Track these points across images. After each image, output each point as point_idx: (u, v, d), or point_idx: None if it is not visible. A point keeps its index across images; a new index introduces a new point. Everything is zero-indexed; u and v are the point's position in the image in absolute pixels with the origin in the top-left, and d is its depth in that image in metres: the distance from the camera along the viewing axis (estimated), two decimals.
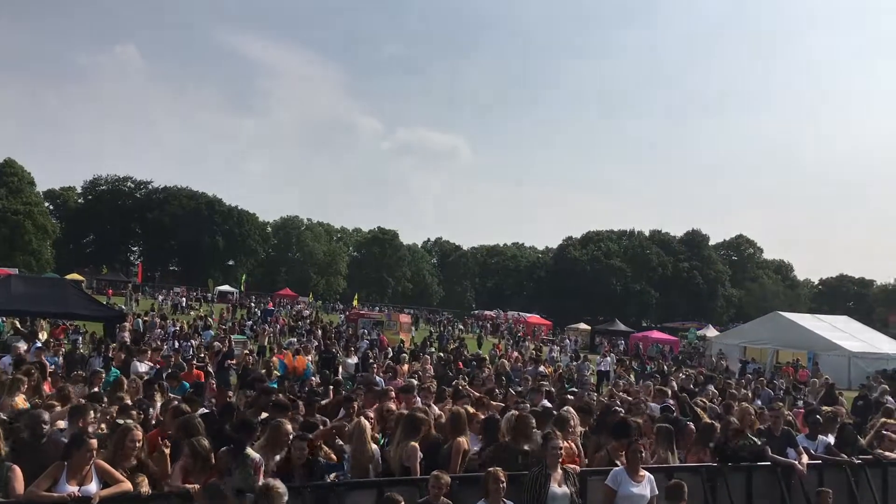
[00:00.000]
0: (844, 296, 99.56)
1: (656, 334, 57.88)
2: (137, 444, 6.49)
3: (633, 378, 22.25)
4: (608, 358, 31.71)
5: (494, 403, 10.73)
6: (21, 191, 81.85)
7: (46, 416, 7.20)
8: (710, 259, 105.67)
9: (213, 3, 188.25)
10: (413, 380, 13.44)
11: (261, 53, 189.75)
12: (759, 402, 15.82)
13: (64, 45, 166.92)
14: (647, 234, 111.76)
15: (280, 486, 5.56)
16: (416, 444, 7.56)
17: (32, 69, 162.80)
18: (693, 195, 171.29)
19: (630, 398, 12.73)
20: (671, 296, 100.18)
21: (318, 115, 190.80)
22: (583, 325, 67.09)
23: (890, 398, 17.13)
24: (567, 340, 52.50)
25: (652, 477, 7.33)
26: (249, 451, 6.59)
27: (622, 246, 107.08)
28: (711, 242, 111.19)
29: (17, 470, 5.94)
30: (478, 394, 11.40)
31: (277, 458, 6.98)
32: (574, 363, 28.26)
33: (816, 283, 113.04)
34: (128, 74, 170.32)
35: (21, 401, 8.77)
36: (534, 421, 8.17)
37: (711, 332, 63.25)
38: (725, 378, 23.40)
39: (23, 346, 16.85)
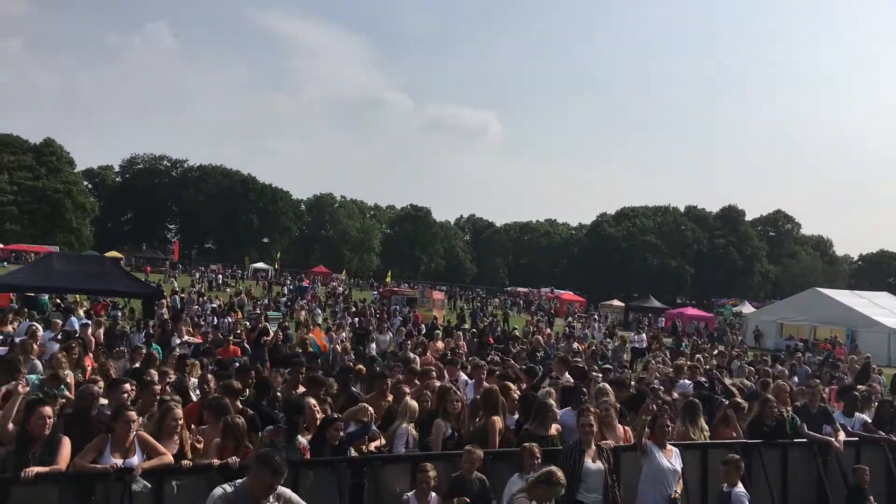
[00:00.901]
0: (885, 271, 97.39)
1: (691, 311, 57.40)
2: (179, 422, 6.65)
3: (668, 355, 22.11)
4: (643, 335, 31.54)
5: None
6: (60, 170, 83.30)
7: (96, 389, 7.36)
8: (747, 235, 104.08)
9: None
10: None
11: (293, 31, 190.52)
12: (795, 380, 15.67)
13: (97, 26, 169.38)
14: (682, 209, 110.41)
15: None
16: (497, 419, 7.68)
17: (68, 51, 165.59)
18: (729, 170, 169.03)
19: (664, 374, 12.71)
20: (707, 272, 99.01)
21: (350, 92, 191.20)
22: (616, 302, 66.75)
23: None
24: (597, 317, 52.28)
25: (678, 451, 7.34)
26: (300, 437, 6.72)
27: (657, 222, 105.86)
28: (748, 218, 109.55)
29: (67, 441, 6.11)
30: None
31: (308, 436, 7.07)
32: (607, 340, 28.17)
33: (856, 258, 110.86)
34: (160, 53, 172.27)
35: (69, 376, 8.96)
36: (555, 406, 8.16)
37: (748, 308, 62.48)
38: (761, 355, 23.16)
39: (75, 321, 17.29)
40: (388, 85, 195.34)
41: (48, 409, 6.19)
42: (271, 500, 4.53)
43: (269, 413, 7.68)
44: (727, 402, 9.31)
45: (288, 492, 4.69)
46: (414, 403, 7.86)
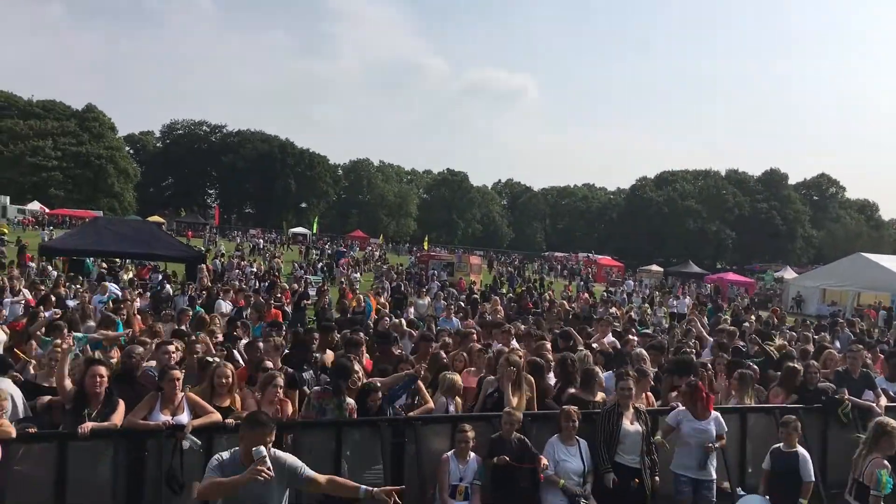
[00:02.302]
0: None
1: (731, 276, 56.80)
2: (226, 381, 6.78)
3: (706, 320, 21.94)
4: (684, 300, 31.31)
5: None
6: (103, 136, 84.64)
7: (140, 349, 7.59)
8: (790, 199, 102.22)
9: None
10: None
11: None
12: (837, 345, 15.47)
13: None
14: (723, 173, 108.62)
15: None
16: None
17: (108, 17, 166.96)
18: (773, 133, 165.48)
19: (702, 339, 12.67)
20: (748, 237, 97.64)
21: (388, 57, 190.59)
22: (655, 268, 66.25)
23: None
24: (631, 282, 51.89)
25: (719, 415, 7.36)
26: (347, 397, 6.86)
27: (697, 186, 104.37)
28: (791, 182, 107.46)
29: (122, 402, 6.34)
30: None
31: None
32: (646, 305, 28.02)
33: None
34: (199, 20, 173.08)
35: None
36: (598, 371, 8.21)
37: (790, 274, 61.51)
38: (803, 320, 22.87)
39: (112, 286, 17.65)
40: (426, 49, 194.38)
41: (102, 369, 6.41)
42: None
43: (300, 375, 7.88)
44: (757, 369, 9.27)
45: (283, 454, 4.61)
46: (455, 377, 7.85)
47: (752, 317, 22.42)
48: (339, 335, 9.91)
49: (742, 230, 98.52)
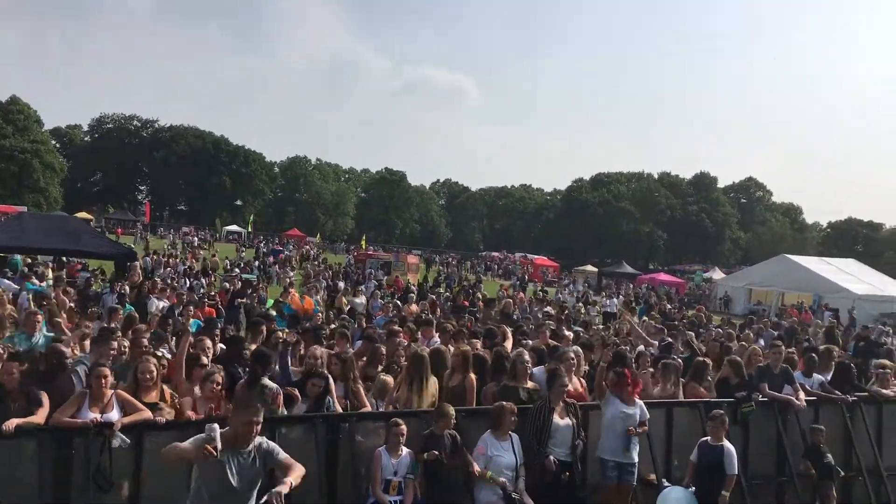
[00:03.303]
0: (853, 239, 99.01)
1: (663, 276, 58.22)
2: (150, 376, 6.74)
3: (635, 319, 22.47)
4: (614, 299, 31.98)
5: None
6: (28, 129, 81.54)
7: (67, 349, 7.43)
8: (719, 201, 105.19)
9: None
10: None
11: None
12: (761, 343, 16.05)
13: None
14: (656, 176, 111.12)
15: None
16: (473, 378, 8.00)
17: (36, 7, 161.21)
18: (703, 137, 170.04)
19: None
20: (679, 238, 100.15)
21: (327, 54, 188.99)
22: (590, 268, 67.37)
23: (891, 339, 17.32)
24: (569, 281, 52.77)
25: (643, 403, 7.63)
26: (266, 380, 6.87)
27: (631, 188, 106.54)
28: (720, 185, 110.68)
29: (46, 396, 6.21)
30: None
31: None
32: (579, 304, 28.53)
33: (825, 226, 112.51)
34: (133, 12, 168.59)
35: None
36: (529, 362, 8.38)
37: (718, 274, 63.40)
38: (729, 319, 23.64)
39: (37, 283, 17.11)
40: (365, 47, 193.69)
41: (16, 365, 6.41)
42: (251, 448, 4.71)
43: (237, 372, 7.84)
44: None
45: (271, 444, 4.88)
46: (388, 379, 7.94)
47: (682, 315, 23.13)
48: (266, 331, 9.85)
49: (673, 232, 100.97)
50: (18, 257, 24.19)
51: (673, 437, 8.37)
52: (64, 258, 24.46)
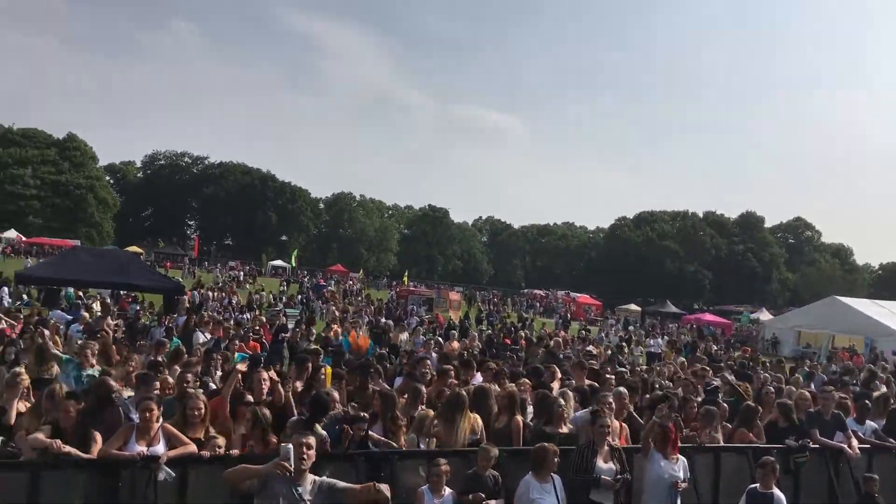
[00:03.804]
0: None
1: (708, 317, 57.24)
2: (198, 412, 6.83)
3: (681, 360, 22.09)
4: (658, 339, 31.51)
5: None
6: (83, 165, 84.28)
7: (113, 382, 7.57)
8: (766, 241, 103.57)
9: None
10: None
11: (318, 31, 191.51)
12: (812, 387, 15.65)
13: (124, 23, 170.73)
14: (700, 215, 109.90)
15: None
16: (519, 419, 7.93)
17: (93, 47, 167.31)
18: (749, 177, 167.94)
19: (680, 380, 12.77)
20: (725, 278, 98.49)
21: (372, 91, 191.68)
22: (633, 306, 66.59)
23: None
24: (614, 320, 52.16)
25: (685, 459, 7.44)
26: (318, 427, 6.91)
27: (675, 227, 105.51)
28: (767, 224, 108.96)
29: (98, 434, 6.33)
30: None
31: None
32: (623, 344, 28.16)
33: (877, 267, 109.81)
34: (186, 51, 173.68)
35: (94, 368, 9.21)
36: (567, 406, 8.30)
37: (765, 315, 62.05)
38: (777, 361, 23.09)
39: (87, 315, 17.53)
40: (411, 85, 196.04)
41: (72, 403, 6.57)
42: (311, 486, 4.81)
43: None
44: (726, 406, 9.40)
45: (327, 479, 4.95)
46: (428, 413, 7.95)
47: (730, 358, 22.64)
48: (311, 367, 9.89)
49: (719, 271, 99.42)
50: (71, 291, 24.86)
51: (720, 484, 8.18)
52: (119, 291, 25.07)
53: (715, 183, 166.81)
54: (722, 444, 8.54)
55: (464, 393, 8.05)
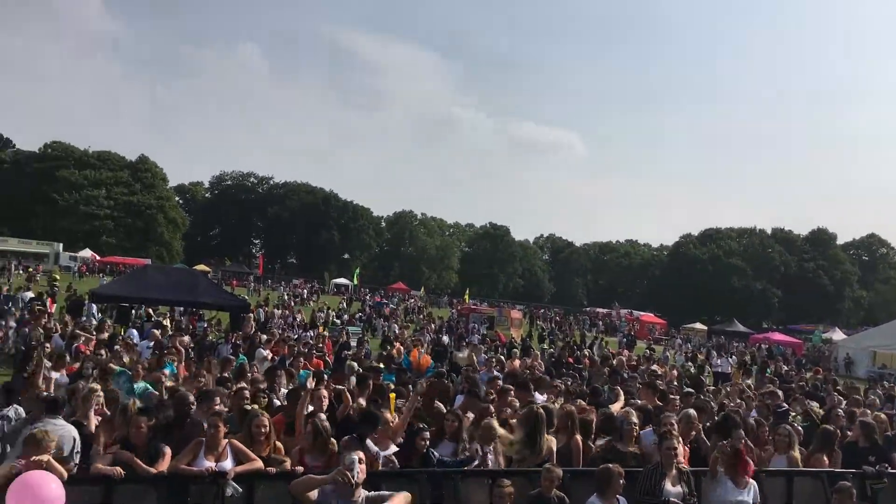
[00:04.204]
0: None
1: (778, 336, 55.62)
2: (263, 430, 6.91)
3: (751, 381, 21.53)
4: (727, 359, 30.74)
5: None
6: (154, 186, 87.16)
7: (192, 397, 7.75)
8: (838, 258, 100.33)
9: (330, 2, 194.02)
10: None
11: (376, 51, 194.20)
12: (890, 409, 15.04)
13: (191, 46, 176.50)
14: (768, 232, 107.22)
15: None
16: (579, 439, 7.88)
17: (163, 70, 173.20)
18: (819, 192, 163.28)
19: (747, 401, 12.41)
20: (794, 296, 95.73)
21: (431, 110, 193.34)
22: (699, 325, 65.22)
23: None
24: (680, 340, 51.15)
25: (755, 484, 7.18)
26: (369, 442, 6.94)
27: (742, 244, 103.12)
28: (839, 241, 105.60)
29: (168, 449, 6.49)
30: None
31: (393, 448, 7.27)
32: (689, 363, 27.58)
33: None
34: (251, 73, 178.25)
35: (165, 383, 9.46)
36: (636, 424, 8.14)
37: (838, 335, 60.00)
38: (852, 383, 22.28)
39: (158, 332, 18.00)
40: (470, 103, 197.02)
41: (144, 420, 6.73)
42: (359, 500, 4.79)
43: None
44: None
45: (373, 492, 4.93)
46: (492, 422, 7.89)
47: (802, 379, 21.95)
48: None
49: (788, 289, 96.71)
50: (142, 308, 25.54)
51: None
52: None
53: (782, 199, 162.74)
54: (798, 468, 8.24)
55: (542, 410, 7.96)
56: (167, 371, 10.42)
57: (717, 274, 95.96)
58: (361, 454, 5.00)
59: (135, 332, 18.24)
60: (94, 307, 24.72)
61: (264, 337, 18.10)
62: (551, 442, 7.72)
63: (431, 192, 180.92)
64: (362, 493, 4.84)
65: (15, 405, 8.03)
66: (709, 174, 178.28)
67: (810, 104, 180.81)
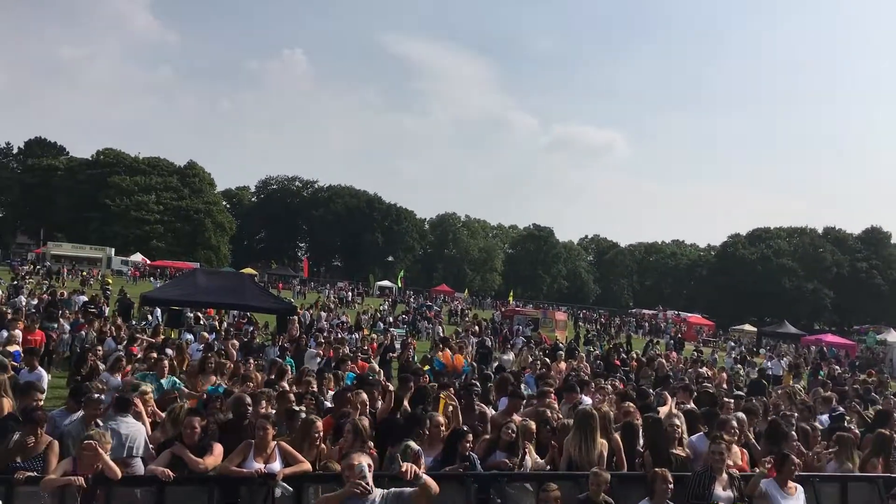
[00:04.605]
0: None
1: (830, 338, 54.25)
2: (318, 435, 7.07)
3: (803, 384, 21.09)
4: (778, 360, 30.11)
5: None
6: (202, 191, 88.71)
7: (248, 399, 7.87)
8: (893, 258, 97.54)
9: (374, 6, 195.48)
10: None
11: (420, 54, 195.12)
12: None
13: (237, 53, 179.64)
14: (820, 231, 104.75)
15: None
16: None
17: (210, 76, 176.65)
18: (873, 189, 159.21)
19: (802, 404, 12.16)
20: (847, 297, 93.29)
21: (475, 112, 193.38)
22: (748, 327, 64.02)
23: None
24: (731, 342, 50.28)
25: (803, 489, 7.04)
26: (411, 442, 6.95)
27: (792, 244, 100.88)
28: (895, 240, 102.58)
29: (219, 447, 6.61)
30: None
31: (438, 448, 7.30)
32: (738, 366, 27.11)
33: None
34: (295, 78, 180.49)
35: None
36: (681, 426, 8.03)
37: (893, 336, 58.29)
38: None
39: (208, 335, 18.35)
40: (513, 105, 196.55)
41: (197, 419, 6.81)
42: (377, 499, 4.72)
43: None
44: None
45: (392, 490, 4.79)
46: (530, 423, 7.90)
47: (855, 381, 21.42)
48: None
49: (841, 290, 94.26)
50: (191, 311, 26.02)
51: None
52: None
53: (834, 198, 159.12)
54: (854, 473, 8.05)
55: (594, 411, 7.91)
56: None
57: (767, 274, 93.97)
58: (368, 459, 4.95)
59: (189, 335, 18.58)
60: (159, 311, 25.27)
61: (320, 339, 18.33)
62: (603, 446, 7.65)
63: (474, 194, 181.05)
64: (380, 492, 4.75)
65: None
66: (757, 172, 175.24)
67: (856, 96, 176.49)
